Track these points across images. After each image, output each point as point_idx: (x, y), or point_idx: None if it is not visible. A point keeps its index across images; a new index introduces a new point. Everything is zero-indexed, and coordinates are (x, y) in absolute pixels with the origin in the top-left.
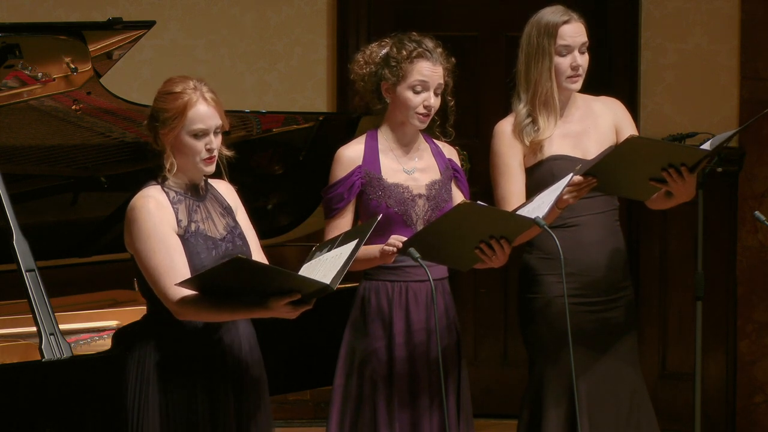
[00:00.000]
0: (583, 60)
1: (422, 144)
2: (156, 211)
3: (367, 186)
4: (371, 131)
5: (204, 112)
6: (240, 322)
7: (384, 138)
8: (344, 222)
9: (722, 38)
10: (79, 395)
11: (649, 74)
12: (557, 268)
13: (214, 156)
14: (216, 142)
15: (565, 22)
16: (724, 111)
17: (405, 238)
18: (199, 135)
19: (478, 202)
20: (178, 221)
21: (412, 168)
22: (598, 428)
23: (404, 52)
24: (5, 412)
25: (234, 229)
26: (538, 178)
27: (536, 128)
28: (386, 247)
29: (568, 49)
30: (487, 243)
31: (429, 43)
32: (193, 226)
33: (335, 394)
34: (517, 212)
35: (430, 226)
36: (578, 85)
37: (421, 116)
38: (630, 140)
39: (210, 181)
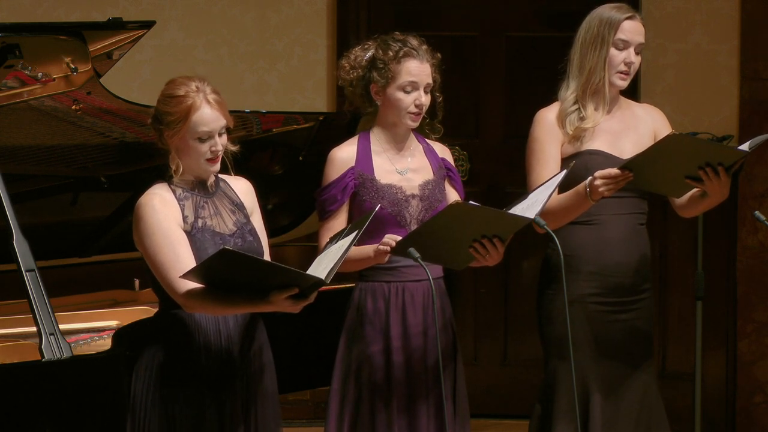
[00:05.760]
0: (636, 60)
1: (414, 144)
2: (160, 207)
3: (360, 187)
4: (364, 133)
5: (208, 116)
6: (254, 330)
7: (376, 139)
8: (338, 223)
9: (722, 38)
10: (79, 395)
11: (649, 74)
12: (579, 266)
13: (219, 156)
14: (221, 142)
15: (629, 18)
16: (724, 111)
17: (399, 238)
18: (203, 138)
19: (470, 201)
20: (184, 217)
21: (405, 168)
22: (610, 427)
23: (391, 53)
24: (5, 412)
25: (245, 225)
26: (571, 169)
27: (581, 116)
28: (381, 247)
29: (625, 44)
30: (480, 242)
31: (414, 41)
32: (200, 222)
33: (332, 398)
34: (510, 210)
35: (423, 226)
36: (625, 83)
37: (413, 115)
38: (670, 137)
39: (228, 178)
